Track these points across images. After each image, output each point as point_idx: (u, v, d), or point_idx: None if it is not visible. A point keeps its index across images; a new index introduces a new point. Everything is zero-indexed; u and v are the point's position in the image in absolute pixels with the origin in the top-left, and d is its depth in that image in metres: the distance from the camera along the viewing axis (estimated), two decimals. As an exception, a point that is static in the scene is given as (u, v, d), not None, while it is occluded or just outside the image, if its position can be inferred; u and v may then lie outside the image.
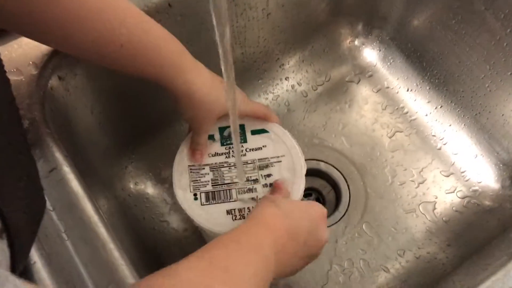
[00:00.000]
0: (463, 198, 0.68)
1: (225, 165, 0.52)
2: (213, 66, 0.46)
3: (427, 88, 0.74)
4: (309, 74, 0.77)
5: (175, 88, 0.47)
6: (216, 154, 0.53)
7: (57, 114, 0.51)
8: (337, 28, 0.77)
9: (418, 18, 0.72)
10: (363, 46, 0.78)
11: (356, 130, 0.73)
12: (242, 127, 0.54)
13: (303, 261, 0.45)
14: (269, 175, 0.52)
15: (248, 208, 0.50)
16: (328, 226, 0.66)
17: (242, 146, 0.53)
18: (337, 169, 0.70)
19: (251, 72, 0.72)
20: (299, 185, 0.51)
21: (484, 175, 0.69)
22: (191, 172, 0.52)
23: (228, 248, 0.36)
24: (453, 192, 0.69)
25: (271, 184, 0.51)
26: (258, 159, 0.53)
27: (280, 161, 0.52)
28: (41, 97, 0.50)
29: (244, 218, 0.50)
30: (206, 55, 0.62)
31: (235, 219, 0.49)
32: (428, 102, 0.74)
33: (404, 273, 0.63)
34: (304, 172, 0.52)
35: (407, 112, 0.74)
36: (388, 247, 0.65)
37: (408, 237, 0.65)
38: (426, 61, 0.73)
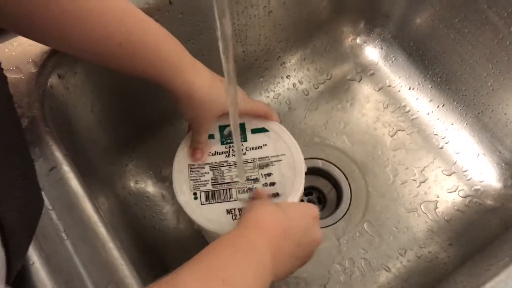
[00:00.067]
0: (465, 197, 0.68)
1: (225, 164, 0.52)
2: (214, 64, 0.46)
3: (429, 86, 0.74)
4: (310, 72, 0.76)
5: (174, 88, 0.46)
6: (216, 153, 0.53)
7: (56, 113, 0.51)
8: (339, 26, 0.76)
9: (420, 16, 0.71)
10: (365, 44, 0.78)
11: (357, 128, 0.73)
12: (242, 125, 0.54)
13: (299, 262, 0.45)
14: (269, 174, 0.51)
15: None
16: (329, 225, 0.66)
17: (242, 145, 0.53)
18: (338, 168, 0.70)
19: (252, 70, 0.72)
20: (299, 184, 0.50)
21: (486, 174, 0.69)
22: (191, 171, 0.52)
23: (225, 254, 0.36)
24: (455, 191, 0.68)
25: (271, 183, 0.51)
26: (258, 158, 0.52)
27: (280, 160, 0.52)
28: (40, 95, 0.49)
29: (244, 217, 0.49)
30: (207, 54, 0.62)
31: (235, 219, 0.49)
32: (430, 100, 0.73)
33: (405, 273, 0.63)
34: (304, 170, 0.51)
35: (409, 111, 0.74)
36: (389, 246, 0.65)
37: (410, 236, 0.65)
38: (428, 60, 0.73)
